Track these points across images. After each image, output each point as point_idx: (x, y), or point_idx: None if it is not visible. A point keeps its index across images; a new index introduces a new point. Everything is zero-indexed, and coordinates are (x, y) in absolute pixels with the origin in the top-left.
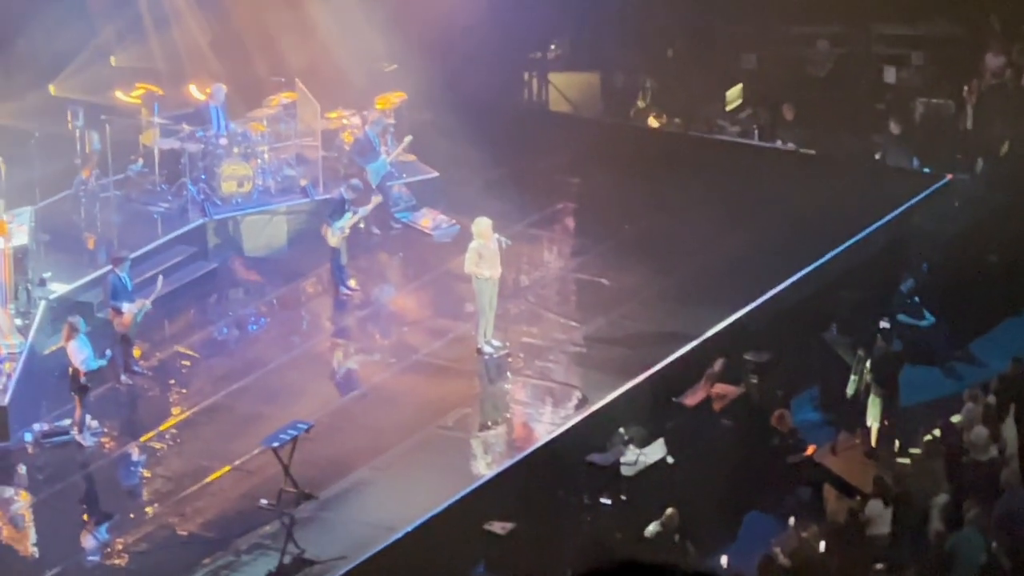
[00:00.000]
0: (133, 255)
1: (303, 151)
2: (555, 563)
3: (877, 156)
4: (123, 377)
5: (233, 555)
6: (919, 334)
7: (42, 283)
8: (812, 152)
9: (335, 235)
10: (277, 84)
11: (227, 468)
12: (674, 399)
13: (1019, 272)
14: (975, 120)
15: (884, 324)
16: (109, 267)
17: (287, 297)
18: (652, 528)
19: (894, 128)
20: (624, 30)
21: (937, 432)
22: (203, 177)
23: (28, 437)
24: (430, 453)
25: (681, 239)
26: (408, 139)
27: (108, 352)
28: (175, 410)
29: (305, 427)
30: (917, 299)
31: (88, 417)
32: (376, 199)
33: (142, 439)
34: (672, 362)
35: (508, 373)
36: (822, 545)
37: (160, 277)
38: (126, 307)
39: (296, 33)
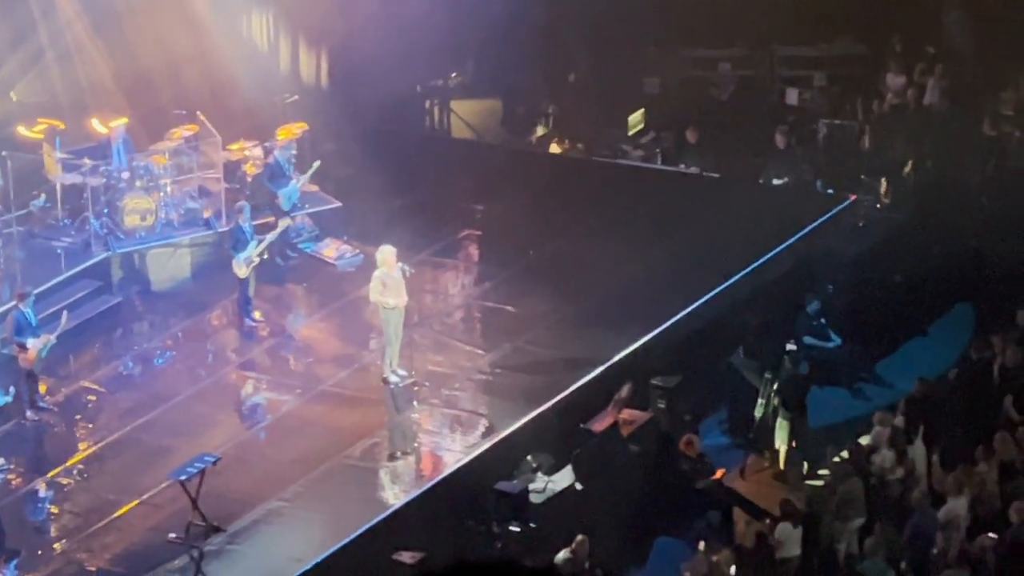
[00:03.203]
0: (37, 290)
1: (206, 183)
2: None
3: (760, 180)
4: (29, 413)
5: None
6: (826, 355)
7: None
8: (716, 175)
9: (242, 266)
10: (179, 117)
11: (135, 502)
12: (581, 425)
13: (924, 292)
14: (878, 140)
15: (791, 346)
16: (13, 303)
17: (192, 329)
18: (562, 555)
19: (779, 142)
20: (525, 56)
21: (845, 454)
22: (106, 211)
23: None
24: (338, 484)
25: (586, 264)
26: (316, 164)
27: (12, 389)
28: (82, 445)
29: (212, 460)
30: (823, 320)
31: None
32: (284, 223)
33: (49, 475)
34: (579, 388)
35: (415, 402)
36: (732, 569)
37: (65, 312)
38: (31, 343)
39: (197, 65)
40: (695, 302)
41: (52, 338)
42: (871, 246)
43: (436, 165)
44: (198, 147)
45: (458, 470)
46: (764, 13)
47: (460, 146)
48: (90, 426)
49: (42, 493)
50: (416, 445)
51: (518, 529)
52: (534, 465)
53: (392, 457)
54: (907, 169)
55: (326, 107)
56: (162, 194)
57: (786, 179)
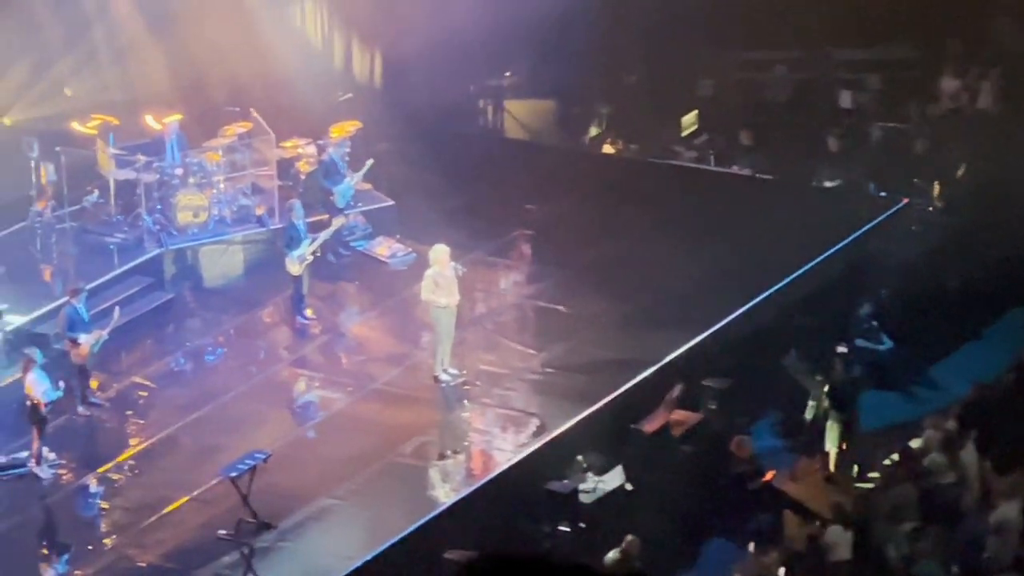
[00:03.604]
0: (89, 286)
1: (259, 180)
2: None
3: (814, 183)
4: (80, 408)
5: None
6: (878, 359)
7: None
8: (769, 177)
9: (295, 263)
10: (232, 114)
11: (185, 499)
12: (633, 426)
13: (978, 296)
14: (931, 144)
15: (842, 349)
16: (65, 299)
17: (244, 327)
18: (612, 555)
19: (832, 145)
20: (580, 57)
21: (896, 457)
22: (159, 207)
23: None
24: (389, 482)
25: (639, 265)
26: (369, 163)
27: (63, 384)
28: (133, 441)
29: (263, 456)
30: (875, 324)
31: (46, 449)
32: (338, 221)
33: (100, 470)
34: (631, 388)
35: (466, 401)
36: (782, 571)
37: (117, 308)
38: (83, 338)
39: (251, 63)
40: (748, 304)
41: (104, 334)
42: (924, 250)
43: (489, 165)
44: (251, 144)
45: (509, 469)
46: (819, 15)
47: (514, 146)
48: (141, 422)
49: (93, 488)
50: (467, 444)
51: (568, 529)
52: (585, 465)
53: (443, 456)
54: (960, 172)
55: (379, 106)
56: (215, 191)
57: (839, 182)
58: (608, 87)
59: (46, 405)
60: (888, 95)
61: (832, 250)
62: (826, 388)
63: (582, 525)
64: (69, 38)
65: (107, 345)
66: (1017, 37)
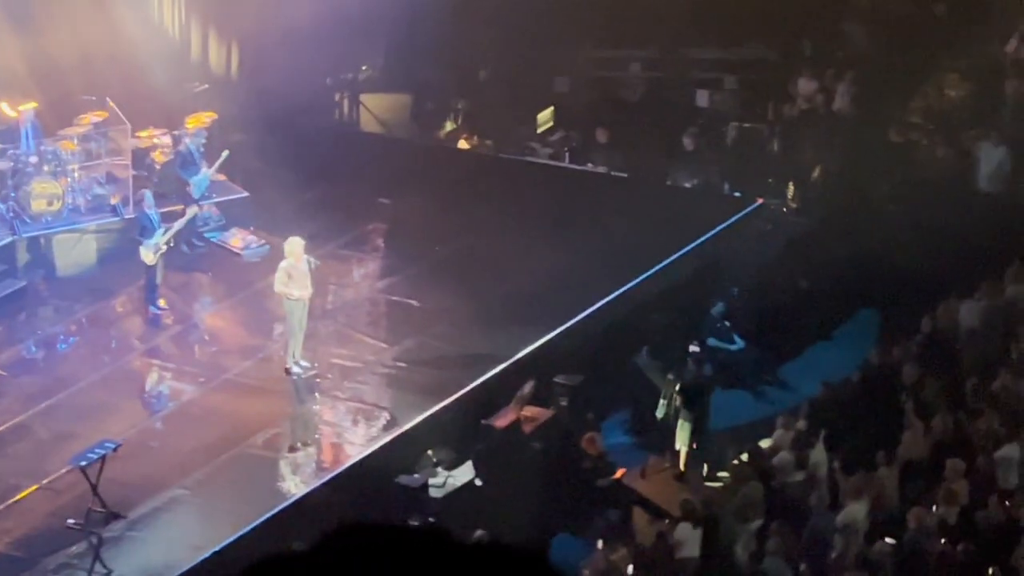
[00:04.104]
0: None
1: (113, 170)
2: None
3: (669, 181)
4: None
5: (40, 575)
6: (729, 358)
7: None
8: (625, 175)
9: (150, 253)
10: (88, 103)
11: (35, 487)
12: (483, 421)
13: (829, 296)
14: (786, 144)
15: (694, 348)
16: None
17: (97, 316)
18: None
19: (688, 144)
20: (435, 51)
21: (745, 456)
22: (13, 195)
23: None
24: (239, 473)
25: (493, 261)
26: (225, 153)
27: None
28: None
29: (113, 446)
30: (727, 323)
31: None
32: (192, 211)
33: None
34: (482, 384)
35: (317, 394)
36: (631, 568)
37: None
38: None
39: (107, 52)
40: (600, 301)
41: None
42: (777, 250)
43: (344, 158)
44: (107, 133)
45: (359, 462)
46: (675, 15)
47: (369, 140)
48: None
49: None
50: (317, 437)
51: (417, 523)
52: (435, 460)
53: (293, 448)
54: (815, 174)
55: (236, 97)
56: (70, 179)
57: (695, 181)
58: (463, 82)
59: None
60: (744, 95)
61: (686, 249)
62: (677, 387)
63: (431, 520)
64: None
65: None
66: (867, 41)
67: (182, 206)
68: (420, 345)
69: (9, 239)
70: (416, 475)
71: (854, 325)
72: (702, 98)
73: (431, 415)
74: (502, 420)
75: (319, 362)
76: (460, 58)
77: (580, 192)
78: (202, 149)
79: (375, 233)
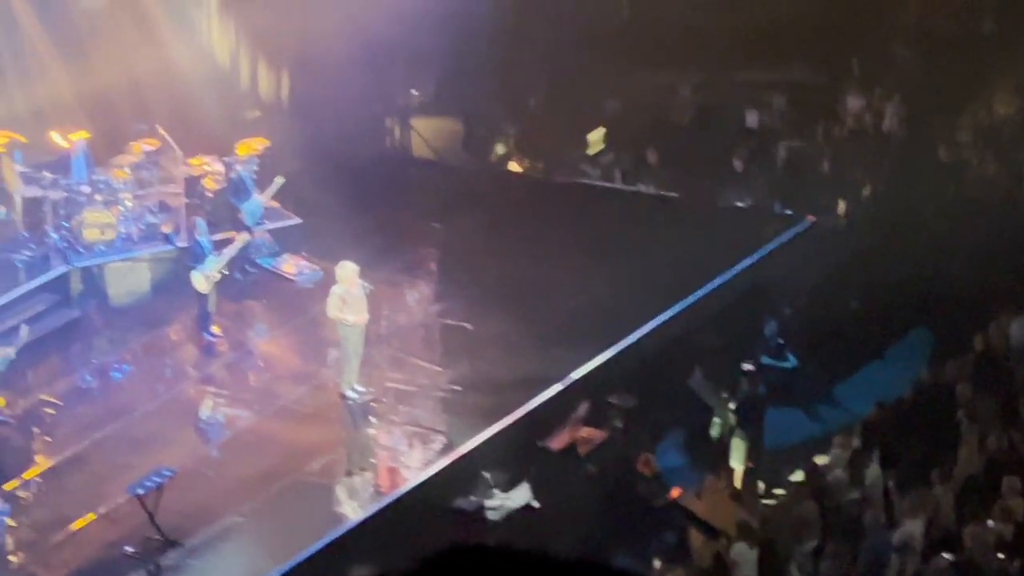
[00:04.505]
0: None
1: (166, 198)
2: None
3: (720, 201)
4: None
5: None
6: (783, 377)
7: None
8: (675, 196)
9: (202, 281)
10: (139, 131)
11: (92, 516)
12: (539, 443)
13: (881, 315)
14: (836, 163)
15: (748, 367)
16: None
17: (151, 344)
18: None
19: (738, 165)
20: (486, 75)
21: (800, 474)
22: (65, 225)
23: None
24: (295, 500)
25: (545, 283)
26: (279, 180)
27: None
28: (39, 458)
29: (170, 474)
30: (780, 341)
31: None
32: (242, 238)
33: (6, 487)
34: (537, 406)
35: (372, 419)
36: None
37: (24, 327)
38: None
39: (158, 80)
40: (653, 322)
41: (11, 352)
42: (829, 269)
43: (396, 183)
44: (158, 162)
45: (415, 487)
46: (723, 37)
47: (420, 164)
48: (48, 440)
49: None
50: (374, 461)
51: (474, 546)
52: (491, 482)
53: (349, 473)
54: (865, 193)
55: (287, 124)
56: (122, 208)
57: (745, 201)
58: (514, 106)
59: None
60: (793, 115)
61: (738, 268)
62: (731, 406)
63: (488, 543)
64: None
65: (14, 363)
66: (915, 60)
67: (234, 233)
68: (474, 368)
69: (62, 269)
70: (472, 498)
71: (906, 344)
72: (751, 119)
73: (487, 438)
74: (557, 442)
75: (374, 387)
76: (510, 81)
77: (631, 213)
78: (254, 176)
79: (428, 257)
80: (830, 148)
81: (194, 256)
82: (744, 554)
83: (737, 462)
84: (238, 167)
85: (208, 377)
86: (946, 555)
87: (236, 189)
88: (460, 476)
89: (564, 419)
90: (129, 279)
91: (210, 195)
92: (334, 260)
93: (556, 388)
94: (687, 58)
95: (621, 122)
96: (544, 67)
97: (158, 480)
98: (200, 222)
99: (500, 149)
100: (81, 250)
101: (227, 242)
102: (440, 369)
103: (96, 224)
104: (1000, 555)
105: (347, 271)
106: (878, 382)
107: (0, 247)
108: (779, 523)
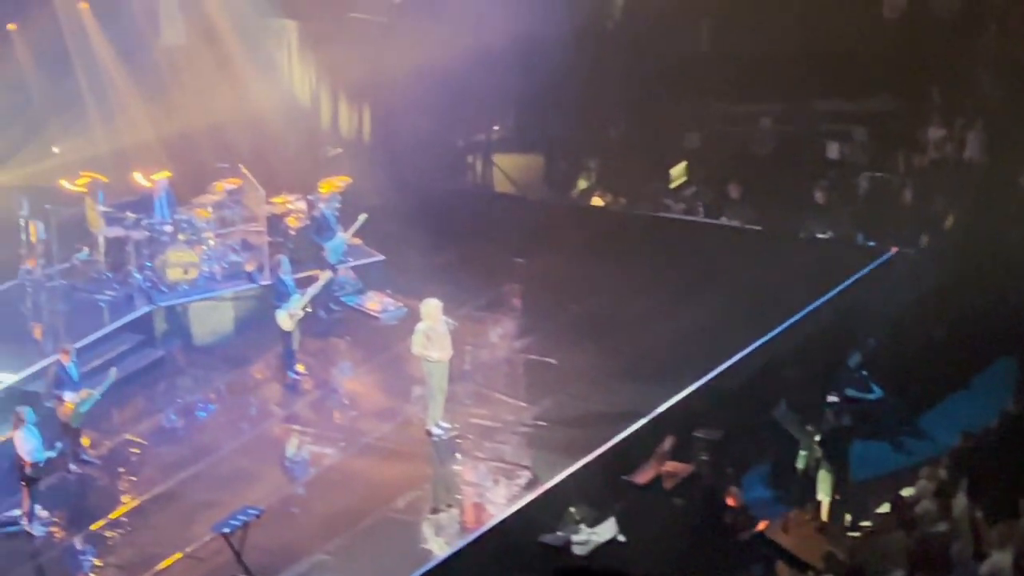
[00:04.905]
0: (80, 344)
1: (248, 236)
2: None
3: (802, 234)
4: (72, 466)
5: None
6: (868, 408)
7: None
8: (758, 228)
9: (286, 319)
10: (221, 170)
11: (179, 555)
12: (624, 478)
13: (966, 345)
14: (918, 193)
15: (833, 399)
16: (55, 357)
17: (235, 383)
18: None
19: (820, 197)
20: (567, 110)
21: (887, 506)
22: (149, 264)
23: None
24: (382, 537)
25: (628, 317)
26: (363, 217)
27: (58, 444)
28: (125, 498)
29: (256, 512)
30: (865, 373)
31: (37, 507)
32: (326, 275)
33: (92, 528)
34: (622, 440)
35: (458, 455)
36: None
37: (113, 369)
38: (68, 396)
39: (240, 119)
40: (737, 355)
41: (95, 393)
42: (913, 299)
43: (479, 219)
44: (241, 200)
45: (501, 522)
46: (803, 68)
47: (502, 200)
48: (133, 479)
49: (86, 546)
50: (459, 498)
51: None
52: (577, 517)
53: (435, 510)
54: (948, 222)
55: (368, 161)
56: (205, 247)
57: (827, 232)
58: (595, 140)
59: (32, 465)
60: (874, 146)
61: (821, 300)
62: (817, 438)
63: None
64: (58, 96)
65: (98, 403)
66: (997, 87)
67: (318, 271)
68: (559, 403)
69: (146, 309)
70: (559, 533)
71: (992, 373)
72: (832, 150)
73: (572, 473)
74: (643, 476)
75: (459, 423)
76: (591, 116)
77: (714, 246)
78: (337, 213)
79: (511, 293)
80: (912, 178)
81: (278, 294)
82: None
83: (823, 494)
84: (321, 205)
85: (293, 415)
86: None
87: (319, 227)
88: (546, 511)
89: (650, 453)
90: (213, 318)
91: (293, 233)
92: (418, 297)
93: (641, 422)
94: (767, 89)
95: (702, 155)
96: (624, 101)
97: (244, 518)
98: (284, 260)
99: (582, 183)
100: (164, 289)
101: (310, 280)
102: (524, 404)
103: (179, 263)
104: None
105: (431, 307)
106: (964, 412)
107: (84, 287)
108: (866, 555)
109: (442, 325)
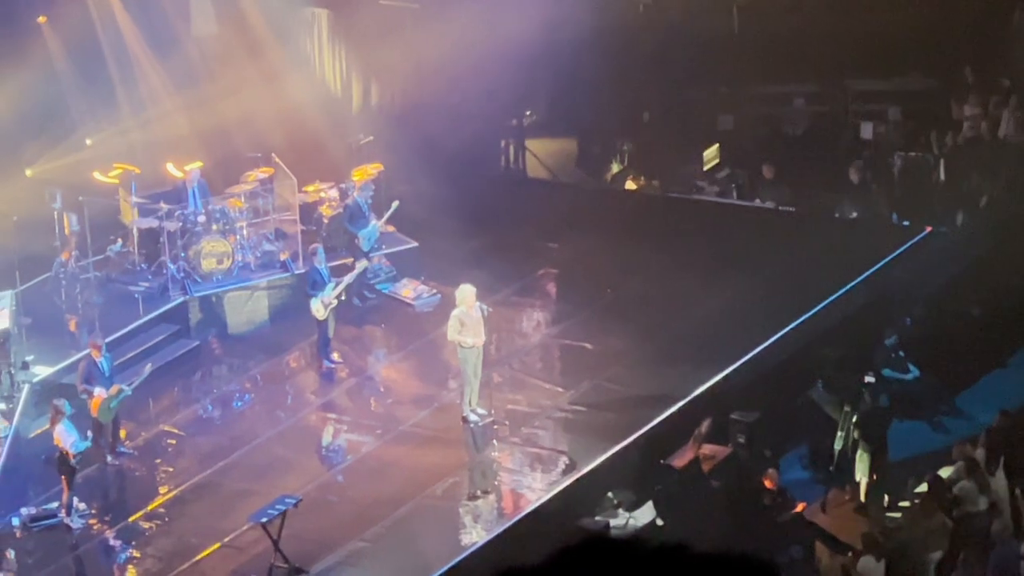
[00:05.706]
0: (115, 335)
1: (282, 225)
2: None
3: (836, 214)
4: (109, 458)
5: None
6: (905, 388)
7: (25, 367)
8: (792, 210)
9: (320, 308)
10: (254, 160)
11: (217, 545)
12: (662, 461)
13: (1002, 323)
14: (953, 172)
15: (869, 379)
16: (87, 350)
17: (271, 372)
18: None
19: (854, 177)
20: (599, 94)
21: (925, 486)
22: (183, 255)
23: (16, 522)
24: (419, 523)
25: (663, 300)
26: (395, 204)
27: (90, 434)
28: (162, 489)
29: (293, 501)
30: (901, 353)
31: (76, 499)
32: (361, 264)
33: (131, 519)
34: (659, 424)
35: (495, 441)
36: None
37: (149, 364)
38: (97, 391)
39: (272, 108)
40: (773, 336)
41: (126, 389)
42: (948, 278)
43: (512, 204)
44: (273, 189)
45: (539, 507)
46: (835, 48)
47: (536, 185)
48: (170, 470)
49: (124, 537)
50: (497, 483)
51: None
52: (615, 501)
53: (473, 496)
54: (983, 201)
55: (401, 148)
56: (238, 237)
57: (862, 212)
58: (628, 123)
59: (74, 456)
60: (908, 125)
61: (856, 281)
62: (854, 419)
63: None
64: (90, 88)
65: (135, 393)
66: None
67: (352, 259)
68: (595, 388)
69: (181, 299)
70: (598, 517)
71: None
72: (866, 130)
73: (609, 457)
74: (680, 459)
75: (495, 409)
76: (623, 99)
77: (749, 228)
78: (370, 201)
79: (545, 278)
80: (946, 157)
81: (312, 283)
82: (871, 567)
83: (861, 475)
84: (354, 193)
85: (329, 403)
86: None
87: (353, 215)
88: (584, 496)
89: (687, 436)
90: (247, 307)
91: (326, 221)
92: (452, 283)
93: (678, 405)
94: (799, 69)
95: (735, 137)
96: (656, 83)
97: (282, 507)
98: (319, 249)
99: (615, 167)
100: (199, 279)
101: (344, 268)
102: (561, 390)
103: (213, 253)
104: None
105: (465, 294)
106: (1001, 390)
107: (118, 279)
108: (906, 535)
109: (476, 311)
